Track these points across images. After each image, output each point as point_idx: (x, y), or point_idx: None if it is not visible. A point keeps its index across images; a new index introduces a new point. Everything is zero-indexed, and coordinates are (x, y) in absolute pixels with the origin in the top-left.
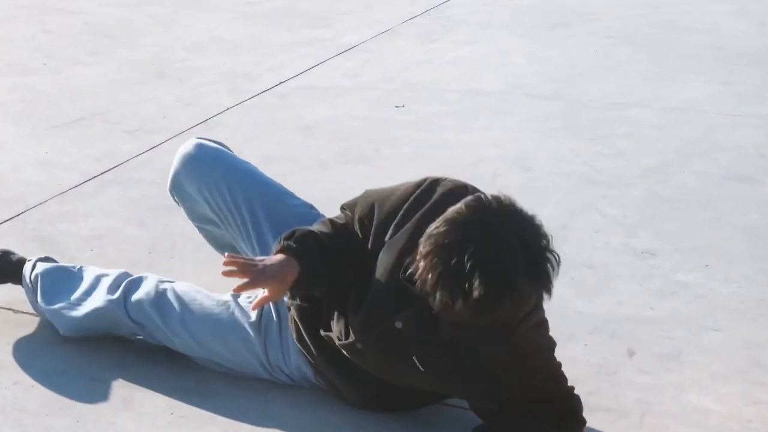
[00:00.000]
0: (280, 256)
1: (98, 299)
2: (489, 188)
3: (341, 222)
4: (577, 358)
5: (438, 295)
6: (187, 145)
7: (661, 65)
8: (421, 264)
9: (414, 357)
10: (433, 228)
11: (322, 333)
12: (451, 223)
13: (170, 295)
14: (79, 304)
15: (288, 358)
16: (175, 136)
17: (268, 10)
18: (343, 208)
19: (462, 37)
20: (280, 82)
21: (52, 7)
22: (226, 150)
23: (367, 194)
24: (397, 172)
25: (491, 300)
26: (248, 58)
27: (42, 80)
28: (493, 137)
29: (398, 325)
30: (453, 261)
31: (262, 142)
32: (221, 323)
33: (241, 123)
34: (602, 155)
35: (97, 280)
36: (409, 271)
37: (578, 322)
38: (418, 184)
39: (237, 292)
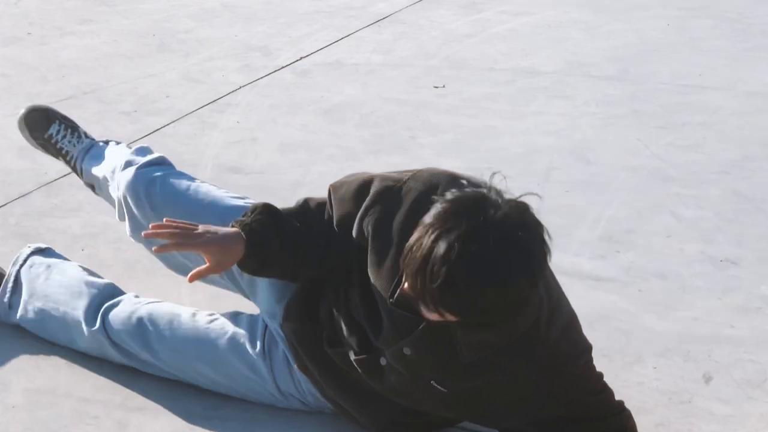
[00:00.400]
0: (228, 228)
1: (81, 331)
2: (543, 184)
3: (316, 203)
4: (645, 384)
5: (412, 282)
6: (137, 181)
7: (744, 42)
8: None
9: (432, 381)
10: (412, 242)
11: (329, 350)
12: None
13: (154, 323)
14: (63, 338)
15: (298, 383)
16: (179, 119)
17: None
18: (329, 189)
19: (513, 7)
20: (301, 58)
21: None
22: (172, 169)
23: (354, 180)
24: (435, 164)
25: (461, 280)
26: (264, 28)
27: (26, 52)
28: (549, 124)
29: (406, 351)
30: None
31: (279, 126)
32: (219, 352)
33: (254, 104)
34: (675, 147)
35: (74, 308)
36: (396, 294)
37: (647, 341)
38: (391, 187)
39: (159, 251)
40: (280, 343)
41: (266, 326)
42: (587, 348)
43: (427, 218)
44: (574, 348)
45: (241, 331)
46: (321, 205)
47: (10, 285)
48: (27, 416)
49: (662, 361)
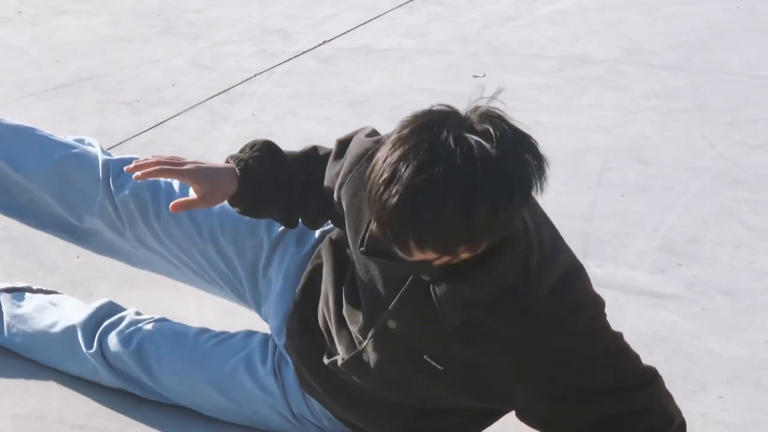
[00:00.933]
0: (222, 163)
1: (75, 353)
2: (595, 187)
3: (325, 152)
4: (709, 415)
5: (373, 208)
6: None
7: None
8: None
9: (425, 356)
10: (371, 166)
11: (326, 361)
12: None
13: (156, 345)
14: (54, 360)
15: (311, 405)
16: (186, 110)
17: None
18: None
19: None
20: (324, 42)
21: None
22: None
23: (350, 138)
24: None
25: (420, 197)
26: (282, 9)
27: (16, 34)
28: (602, 119)
29: (391, 325)
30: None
31: (299, 119)
32: (227, 373)
33: (271, 94)
34: (745, 146)
35: (72, 331)
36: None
37: (712, 367)
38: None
39: (140, 178)
40: (289, 362)
41: (276, 344)
42: (595, 303)
43: (388, 139)
44: (575, 301)
45: (252, 350)
46: (328, 155)
47: None
48: None
49: (729, 389)
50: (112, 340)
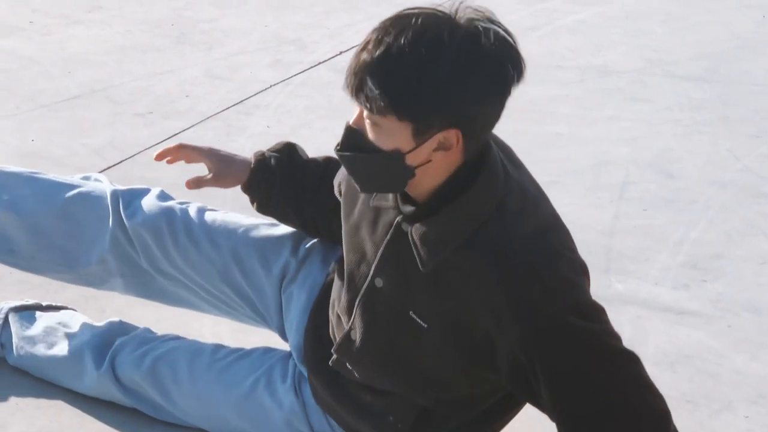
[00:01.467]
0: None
1: (85, 373)
2: (617, 201)
3: None
4: None
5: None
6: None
7: None
8: None
9: (411, 312)
10: None
11: (332, 363)
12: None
13: (171, 364)
14: (64, 379)
15: (332, 423)
16: (201, 122)
17: None
18: None
19: None
20: (341, 52)
21: None
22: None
23: None
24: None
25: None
26: (298, 18)
27: (28, 44)
28: (624, 131)
29: (378, 283)
30: None
31: (315, 132)
32: (245, 392)
33: (287, 105)
34: None
35: (80, 354)
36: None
37: (737, 385)
38: None
39: (157, 158)
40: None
41: (296, 361)
42: (573, 259)
43: None
44: (552, 250)
45: (271, 367)
46: None
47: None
48: None
49: (755, 408)
50: (124, 361)
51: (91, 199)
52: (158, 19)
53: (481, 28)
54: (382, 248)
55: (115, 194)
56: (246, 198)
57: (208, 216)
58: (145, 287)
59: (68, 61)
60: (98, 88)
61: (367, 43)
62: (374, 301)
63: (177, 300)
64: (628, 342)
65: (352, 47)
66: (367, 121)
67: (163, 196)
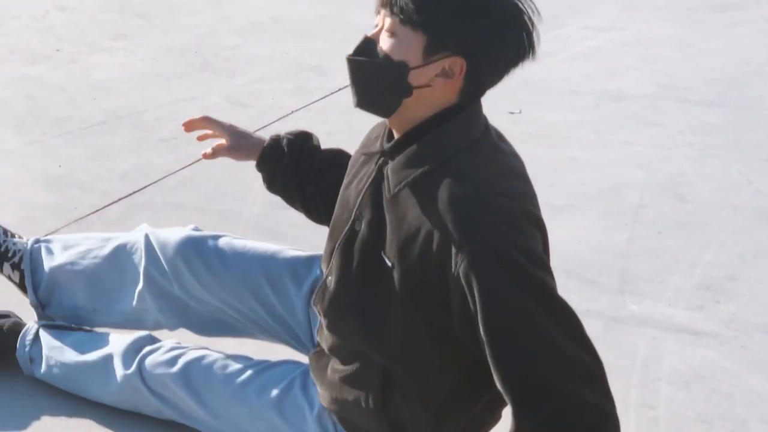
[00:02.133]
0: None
1: (112, 377)
2: (632, 224)
3: None
4: None
5: None
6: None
7: None
8: None
9: (381, 252)
10: None
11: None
12: None
13: (203, 368)
14: (91, 387)
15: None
16: None
17: None
18: None
19: (598, 21)
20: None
21: None
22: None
23: None
24: None
25: None
26: (319, 45)
27: (54, 71)
28: (638, 155)
29: (357, 227)
30: None
31: None
32: (281, 392)
33: (308, 130)
34: None
35: (109, 358)
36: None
37: (752, 405)
38: None
39: (186, 128)
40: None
41: None
42: (534, 216)
43: None
44: (509, 191)
45: (305, 371)
46: None
47: (29, 337)
48: None
49: None
50: (154, 362)
51: (128, 246)
52: (181, 47)
53: None
54: (362, 191)
55: (147, 235)
56: (271, 233)
57: (238, 242)
58: (181, 317)
59: (93, 88)
60: (123, 114)
61: None
62: (351, 246)
63: (210, 326)
64: (643, 362)
65: None
66: (384, 34)
67: (195, 230)
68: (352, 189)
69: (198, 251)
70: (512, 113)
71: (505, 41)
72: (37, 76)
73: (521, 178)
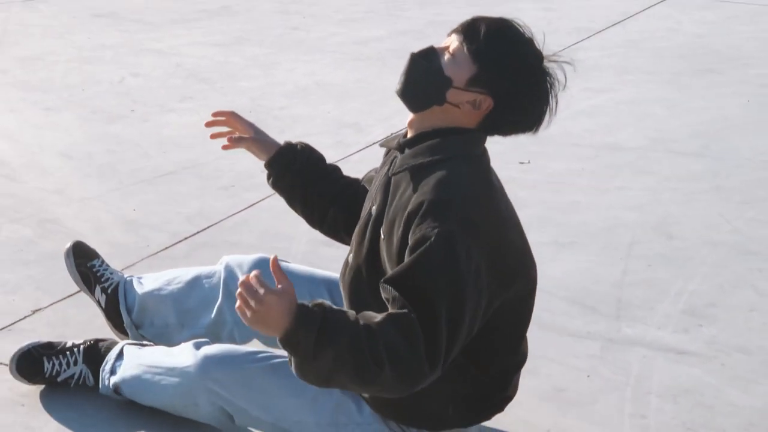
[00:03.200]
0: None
1: (173, 373)
2: (626, 258)
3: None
4: None
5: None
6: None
7: None
8: None
9: (381, 229)
10: None
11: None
12: None
13: (260, 359)
14: (152, 390)
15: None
16: (274, 194)
17: (378, 51)
18: None
19: (596, 84)
20: (392, 134)
21: (142, 47)
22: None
23: None
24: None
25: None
26: (356, 105)
27: (129, 129)
28: (631, 199)
29: (373, 211)
30: None
31: None
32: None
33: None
34: (757, 221)
35: (175, 359)
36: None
37: (730, 415)
38: None
39: (215, 114)
40: None
41: None
42: (485, 230)
43: None
44: (475, 201)
45: None
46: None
47: (116, 352)
48: None
49: None
50: (213, 351)
51: (207, 272)
52: (238, 107)
53: (554, 71)
54: (379, 179)
55: (227, 259)
56: (316, 267)
57: (301, 266)
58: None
59: (163, 143)
60: (188, 165)
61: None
62: (366, 226)
63: None
64: (636, 378)
65: (401, 129)
66: (447, 54)
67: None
68: (374, 183)
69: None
70: (522, 163)
71: (528, 112)
72: (116, 133)
73: (493, 191)
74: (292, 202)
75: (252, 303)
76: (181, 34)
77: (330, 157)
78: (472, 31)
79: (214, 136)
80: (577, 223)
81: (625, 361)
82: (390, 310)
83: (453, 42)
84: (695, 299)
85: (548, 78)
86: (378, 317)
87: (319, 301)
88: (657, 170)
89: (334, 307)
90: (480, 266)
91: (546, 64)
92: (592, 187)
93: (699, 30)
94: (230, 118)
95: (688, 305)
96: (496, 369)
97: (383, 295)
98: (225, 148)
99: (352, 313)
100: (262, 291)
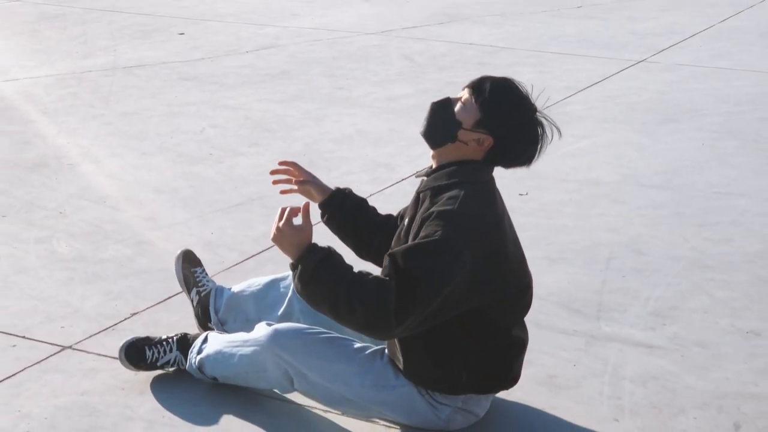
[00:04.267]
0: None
1: (252, 346)
2: (604, 271)
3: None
4: (687, 431)
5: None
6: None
7: (764, 159)
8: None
9: (408, 236)
10: None
11: None
12: None
13: (319, 337)
14: (226, 363)
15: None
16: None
17: (405, 106)
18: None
19: (580, 131)
20: (416, 172)
21: (218, 104)
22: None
23: None
24: None
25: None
26: (388, 149)
27: (208, 169)
28: (609, 223)
29: (405, 222)
30: None
31: None
32: (368, 353)
33: (382, 208)
34: (710, 241)
35: (250, 334)
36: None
37: (688, 396)
38: None
39: (280, 163)
40: None
41: None
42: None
43: None
44: (469, 211)
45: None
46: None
47: (201, 338)
48: None
49: (701, 413)
50: (284, 335)
51: (280, 275)
52: (296, 151)
53: (544, 121)
54: (412, 198)
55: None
56: None
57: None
58: (315, 316)
59: (235, 180)
60: (255, 198)
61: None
62: (399, 234)
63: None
64: (613, 367)
65: (425, 167)
66: (459, 103)
67: None
68: (409, 204)
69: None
70: (521, 194)
71: (521, 151)
72: (197, 172)
73: (493, 210)
74: (343, 236)
75: (275, 227)
76: (250, 93)
77: (367, 191)
78: (480, 85)
79: (276, 182)
80: (565, 242)
81: (604, 353)
82: (378, 274)
83: (465, 94)
84: (660, 303)
85: (539, 126)
86: (368, 276)
87: (329, 247)
88: (629, 200)
89: (339, 256)
90: (465, 267)
91: (538, 115)
92: (576, 214)
93: (662, 88)
94: (292, 166)
95: (654, 308)
96: (497, 346)
97: (384, 263)
98: (283, 192)
99: (351, 266)
100: (281, 224)
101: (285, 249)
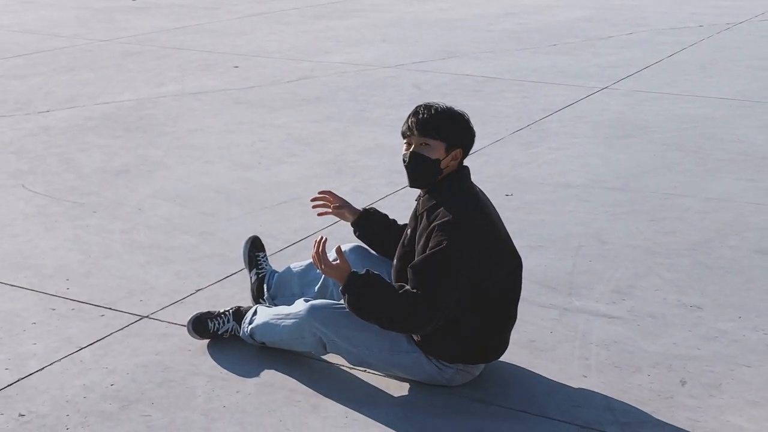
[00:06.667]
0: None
1: (294, 316)
2: (575, 257)
3: None
4: (643, 386)
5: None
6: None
7: (703, 166)
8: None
9: (412, 246)
10: None
11: None
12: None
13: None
14: (282, 329)
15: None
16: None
17: None
18: None
19: (555, 144)
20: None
21: (265, 123)
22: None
23: None
24: None
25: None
26: (401, 159)
27: (258, 175)
28: (578, 218)
29: (408, 233)
30: None
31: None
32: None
33: (396, 206)
34: (660, 233)
35: (292, 307)
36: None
37: (643, 358)
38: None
39: (320, 192)
40: None
41: None
42: (463, 231)
43: None
44: (461, 215)
45: None
46: None
47: (252, 311)
48: (258, 400)
49: (654, 371)
50: (321, 308)
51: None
52: (327, 161)
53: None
54: (411, 213)
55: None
56: None
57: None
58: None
59: (280, 184)
60: (295, 197)
61: (417, 111)
62: (404, 243)
63: None
64: (582, 333)
65: None
66: (421, 147)
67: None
68: (410, 215)
69: (365, 249)
70: (507, 196)
71: (470, 145)
72: (248, 177)
73: (481, 211)
74: (371, 245)
75: (319, 268)
76: (291, 114)
77: (384, 192)
78: (425, 125)
79: (315, 206)
80: (543, 234)
81: (575, 322)
82: (408, 286)
83: (415, 140)
84: (620, 283)
85: (471, 124)
86: (400, 291)
87: (366, 271)
88: (594, 199)
89: (375, 276)
90: (470, 264)
91: (467, 118)
92: (552, 211)
93: (622, 109)
94: (328, 194)
95: (615, 287)
96: (491, 323)
97: (408, 275)
98: (320, 215)
99: (386, 283)
100: (323, 267)
101: (333, 279)
